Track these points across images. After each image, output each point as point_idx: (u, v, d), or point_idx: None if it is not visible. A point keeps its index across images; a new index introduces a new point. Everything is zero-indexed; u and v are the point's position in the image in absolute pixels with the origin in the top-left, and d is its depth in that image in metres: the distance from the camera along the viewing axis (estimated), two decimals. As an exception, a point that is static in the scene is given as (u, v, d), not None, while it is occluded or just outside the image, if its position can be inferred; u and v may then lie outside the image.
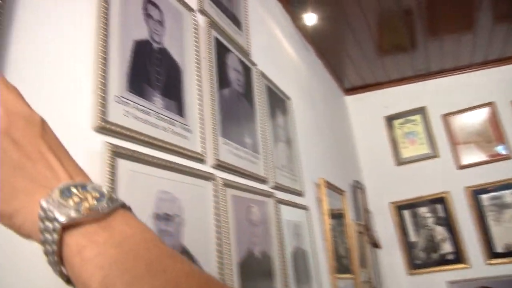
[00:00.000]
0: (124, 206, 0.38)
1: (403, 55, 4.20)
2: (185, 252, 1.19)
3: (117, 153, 1.00)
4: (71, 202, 0.34)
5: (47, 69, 0.94)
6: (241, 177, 1.67)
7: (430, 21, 3.65)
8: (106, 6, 1.13)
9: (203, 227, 1.31)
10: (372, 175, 4.46)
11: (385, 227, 4.34)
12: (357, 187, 3.86)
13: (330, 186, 2.89)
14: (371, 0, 3.29)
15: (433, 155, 4.40)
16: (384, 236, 4.27)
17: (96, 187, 0.37)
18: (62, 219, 0.33)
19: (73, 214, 0.33)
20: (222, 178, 1.47)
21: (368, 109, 4.70)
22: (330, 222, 2.66)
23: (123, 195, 1.00)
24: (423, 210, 4.36)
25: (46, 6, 0.98)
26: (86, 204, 0.34)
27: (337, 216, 2.97)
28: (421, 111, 4.54)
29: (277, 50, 2.75)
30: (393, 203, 4.39)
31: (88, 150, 0.97)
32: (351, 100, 4.79)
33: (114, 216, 0.36)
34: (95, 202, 0.35)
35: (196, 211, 1.29)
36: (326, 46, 3.84)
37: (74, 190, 0.35)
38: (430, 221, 4.36)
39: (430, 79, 4.58)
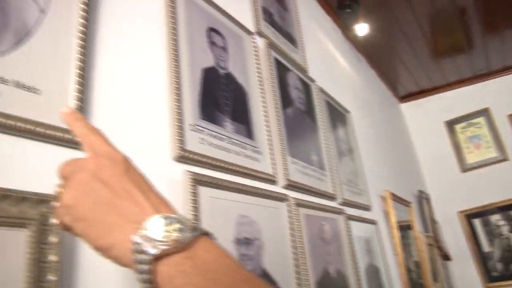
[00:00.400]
0: (205, 233, 0.40)
1: (460, 56, 3.99)
2: (265, 275, 1.17)
3: (197, 180, 1.01)
4: (158, 235, 0.37)
5: (127, 104, 0.97)
6: (311, 195, 1.63)
7: (487, 16, 3.45)
8: (175, 38, 1.16)
9: (281, 249, 1.29)
10: (436, 183, 4.23)
11: (454, 237, 4.08)
12: (422, 197, 3.67)
13: (396, 198, 2.76)
14: (423, 2, 3.17)
15: (502, 158, 4.11)
16: (454, 248, 4.00)
17: (179, 218, 0.39)
18: (153, 251, 0.36)
19: (161, 246, 0.36)
20: (294, 198, 1.45)
21: (426, 115, 4.49)
22: (399, 236, 2.54)
23: (205, 222, 1.00)
24: (495, 218, 4.05)
25: (124, 46, 1.02)
26: (172, 236, 0.37)
27: (404, 228, 2.83)
28: (484, 113, 4.27)
29: (331, 63, 2.72)
30: (461, 212, 4.12)
31: (170, 179, 0.99)
32: (407, 108, 4.61)
33: (196, 245, 0.38)
34: (179, 233, 0.37)
35: (273, 233, 1.27)
36: (378, 55, 3.74)
37: (160, 222, 0.38)
38: (505, 229, 4.05)
39: (492, 78, 4.31)
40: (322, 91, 2.13)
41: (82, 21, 0.89)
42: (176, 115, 1.05)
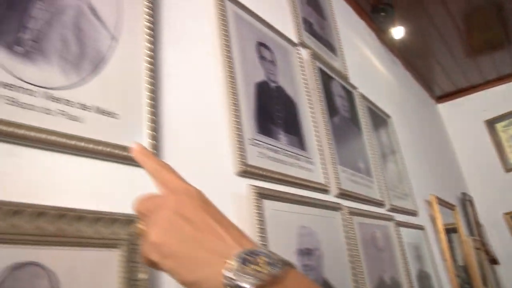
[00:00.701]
0: (290, 265, 0.40)
1: (498, 52, 3.86)
2: (326, 284, 1.17)
3: (260, 194, 1.03)
4: (249, 270, 0.37)
5: (190, 122, 1.00)
6: (361, 203, 1.62)
7: (526, 12, 3.33)
8: (230, 55, 1.19)
9: (339, 258, 1.28)
10: (479, 185, 4.08)
11: (500, 240, 3.92)
12: (466, 200, 3.55)
13: (441, 202, 2.69)
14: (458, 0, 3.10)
15: (548, 156, 3.93)
16: (501, 251, 3.84)
17: (264, 251, 0.39)
18: (247, 286, 0.36)
19: (254, 281, 0.36)
20: (347, 206, 1.44)
21: (464, 115, 4.36)
22: (447, 240, 2.47)
23: (270, 234, 1.01)
24: (544, 219, 3.87)
25: (185, 66, 1.05)
26: (263, 270, 0.37)
27: (449, 232, 2.74)
28: (526, 110, 4.11)
29: (369, 68, 2.69)
30: (507, 213, 3.96)
31: (235, 194, 1.01)
32: (444, 108, 4.49)
33: (286, 278, 0.38)
34: (269, 267, 0.37)
35: (331, 243, 1.26)
36: (412, 56, 3.67)
37: (247, 257, 0.38)
38: (554, 229, 3.86)
39: (533, 74, 4.14)
40: (363, 97, 2.12)
41: (149, 45, 0.93)
42: (236, 131, 1.07)
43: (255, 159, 1.10)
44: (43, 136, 0.66)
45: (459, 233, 2.88)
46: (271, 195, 1.06)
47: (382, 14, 3.02)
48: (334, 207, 1.36)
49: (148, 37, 0.94)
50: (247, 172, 1.05)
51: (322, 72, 1.74)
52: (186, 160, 0.93)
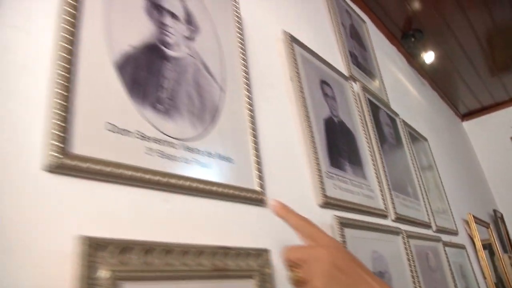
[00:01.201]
0: None
1: (523, 70, 3.91)
2: (395, 307, 1.25)
3: (343, 223, 1.12)
4: None
5: (280, 160, 1.10)
6: (413, 226, 1.70)
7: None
8: (303, 96, 1.30)
9: (403, 280, 1.36)
10: (508, 202, 4.09)
11: (531, 256, 3.89)
12: (497, 217, 3.57)
13: (476, 220, 2.73)
14: (483, 19, 3.17)
15: None
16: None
17: None
18: None
19: None
20: (405, 230, 1.52)
21: (490, 132, 4.39)
22: (486, 259, 2.50)
23: (351, 260, 1.10)
24: None
25: (270, 109, 1.17)
26: None
27: (485, 249, 2.77)
28: (553, 126, 4.13)
29: (404, 93, 2.78)
30: (537, 229, 3.95)
31: (320, 223, 1.10)
32: (470, 125, 4.53)
33: None
34: None
35: (395, 266, 1.34)
36: (439, 76, 3.75)
37: None
38: None
39: (557, 90, 4.17)
40: (404, 123, 2.21)
41: (247, 93, 1.05)
42: (316, 166, 1.17)
43: (332, 191, 1.20)
44: (187, 183, 0.77)
45: (494, 250, 2.91)
46: (350, 224, 1.16)
47: (412, 39, 3.13)
48: (395, 231, 1.44)
49: (245, 86, 1.05)
50: (327, 203, 1.14)
51: (371, 103, 1.84)
52: (279, 195, 1.03)
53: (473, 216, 2.64)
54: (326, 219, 1.12)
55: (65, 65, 0.66)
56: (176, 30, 0.93)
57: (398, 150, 1.93)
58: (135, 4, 0.86)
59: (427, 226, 1.85)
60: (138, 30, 0.83)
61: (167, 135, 0.79)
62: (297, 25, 1.60)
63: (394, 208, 1.54)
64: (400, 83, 2.80)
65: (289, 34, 1.40)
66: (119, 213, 0.65)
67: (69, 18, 0.69)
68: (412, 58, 3.31)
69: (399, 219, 1.55)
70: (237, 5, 1.19)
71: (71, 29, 0.69)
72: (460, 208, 2.65)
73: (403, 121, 2.20)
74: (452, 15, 3.07)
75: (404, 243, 1.46)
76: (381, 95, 2.11)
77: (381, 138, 1.77)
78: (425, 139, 2.52)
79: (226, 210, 0.85)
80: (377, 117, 1.85)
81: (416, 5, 3.03)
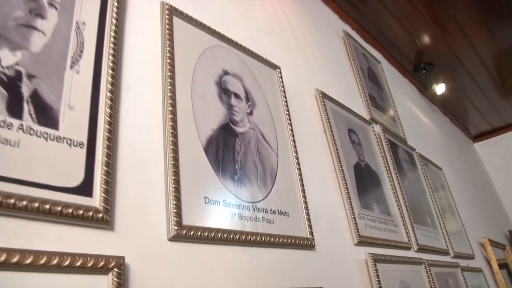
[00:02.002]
0: None
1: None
2: (422, 330, 1.43)
3: (375, 259, 1.32)
4: None
5: (321, 210, 1.31)
6: (433, 254, 1.88)
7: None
8: (335, 145, 1.52)
9: (428, 307, 1.55)
10: (523, 221, 4.22)
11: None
12: (512, 237, 3.71)
13: (492, 243, 2.89)
14: (489, 45, 3.36)
15: None
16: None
17: None
18: None
19: None
20: (426, 259, 1.71)
21: (502, 152, 4.55)
22: (504, 279, 2.66)
23: (384, 292, 1.30)
24: None
25: (309, 159, 1.39)
26: None
27: (502, 269, 2.92)
28: None
29: (417, 124, 2.99)
30: (552, 247, 4.06)
31: (356, 260, 1.31)
32: (481, 147, 4.69)
33: None
34: None
35: (421, 294, 1.54)
36: (450, 102, 3.95)
37: None
38: None
39: None
40: (421, 156, 2.41)
41: (295, 154, 1.27)
42: (350, 209, 1.38)
43: (364, 230, 1.41)
44: (258, 238, 0.99)
45: (511, 271, 3.05)
46: (381, 259, 1.36)
47: (424, 72, 3.34)
48: (418, 262, 1.64)
49: (292, 145, 1.28)
50: (361, 241, 1.35)
51: (391, 143, 2.05)
52: (323, 238, 1.24)
53: (489, 240, 2.80)
54: (361, 256, 1.32)
55: (174, 155, 0.89)
56: (240, 109, 1.16)
57: (416, 183, 2.13)
58: (212, 93, 1.09)
59: (445, 253, 2.03)
60: (215, 115, 1.06)
61: (243, 200, 1.01)
62: (326, 80, 1.83)
63: (416, 239, 1.73)
64: (413, 114, 3.01)
65: (321, 91, 1.63)
66: (216, 265, 0.87)
67: (172, 123, 0.93)
68: (424, 88, 3.52)
69: (421, 249, 1.74)
70: (280, 73, 1.42)
71: (173, 131, 0.92)
72: (476, 231, 2.82)
73: (419, 154, 2.40)
74: (460, 47, 3.28)
75: (427, 272, 1.65)
76: (398, 131, 2.32)
77: (401, 174, 1.97)
78: (439, 168, 2.71)
79: (287, 256, 1.06)
80: (397, 155, 2.06)
81: (426, 40, 3.25)
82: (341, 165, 1.47)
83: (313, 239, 1.15)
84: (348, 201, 1.40)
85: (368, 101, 2.12)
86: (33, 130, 0.69)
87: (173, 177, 0.86)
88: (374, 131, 1.94)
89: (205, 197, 0.91)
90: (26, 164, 0.65)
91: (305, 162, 1.35)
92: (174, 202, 0.84)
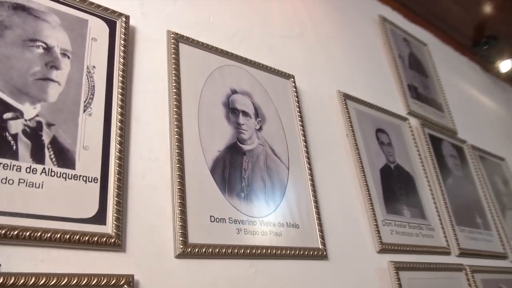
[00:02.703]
0: None
1: None
2: None
3: (398, 267, 1.45)
4: None
5: (339, 218, 1.46)
6: (482, 258, 1.94)
7: None
8: (358, 149, 1.64)
9: (466, 315, 1.64)
10: None
11: None
12: None
13: None
14: None
15: None
16: None
17: None
18: None
19: None
20: (469, 265, 1.78)
21: None
22: None
23: (408, 300, 1.42)
24: None
25: (327, 172, 1.53)
26: None
27: None
28: None
29: (476, 109, 2.96)
30: None
31: (378, 269, 1.44)
32: None
33: None
34: None
35: (458, 302, 1.63)
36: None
37: None
38: None
39: None
40: (474, 148, 2.42)
41: (308, 165, 1.43)
42: (372, 217, 1.51)
43: (388, 237, 1.53)
44: (264, 251, 1.17)
45: None
46: (405, 267, 1.48)
47: (485, 47, 3.27)
48: (457, 268, 1.72)
49: (307, 159, 1.43)
50: (384, 249, 1.48)
51: (432, 138, 2.11)
52: (339, 247, 1.39)
53: None
54: (383, 264, 1.45)
55: (180, 180, 1.09)
56: (248, 126, 1.34)
57: (465, 181, 2.17)
58: (219, 114, 1.28)
59: (501, 257, 2.07)
60: (221, 136, 1.25)
61: (249, 216, 1.20)
62: (352, 78, 1.94)
63: (457, 243, 1.81)
64: (471, 98, 2.98)
65: (343, 93, 1.76)
66: (220, 279, 1.07)
67: (178, 151, 1.13)
68: (489, 65, 3.44)
69: (464, 254, 1.82)
70: (294, 83, 1.57)
71: (180, 158, 1.12)
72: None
73: (472, 146, 2.42)
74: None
75: (468, 279, 1.73)
76: (446, 123, 2.36)
77: (444, 172, 2.04)
78: (501, 159, 2.69)
79: (296, 267, 1.23)
80: (440, 151, 2.12)
81: (487, 10, 3.18)
82: (363, 170, 1.60)
83: (325, 249, 1.31)
84: (370, 207, 1.53)
85: (406, 93, 2.19)
86: (54, 172, 0.92)
87: (179, 201, 1.07)
88: (410, 127, 2.02)
89: (210, 216, 1.11)
90: (49, 202, 0.89)
91: (322, 170, 1.50)
92: (180, 223, 1.04)
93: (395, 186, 1.72)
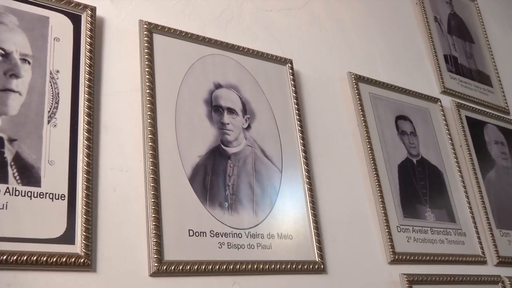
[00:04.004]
0: None
1: None
2: None
3: (411, 281, 1.64)
4: None
5: (344, 224, 1.65)
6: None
7: None
8: (370, 143, 1.82)
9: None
10: None
11: None
12: None
13: None
14: None
15: None
16: None
17: None
18: None
19: None
20: (509, 277, 1.95)
21: None
22: None
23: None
24: None
25: (333, 175, 1.72)
26: None
27: None
28: None
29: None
30: None
31: (389, 282, 1.64)
32: None
33: None
34: None
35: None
36: None
37: None
38: None
39: None
40: (530, 130, 2.55)
41: (305, 166, 1.62)
42: (384, 222, 1.70)
43: (404, 245, 1.72)
44: (249, 266, 1.38)
45: None
46: (421, 280, 1.67)
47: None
48: (492, 281, 1.90)
49: (304, 160, 1.63)
50: (397, 259, 1.67)
51: (470, 121, 2.26)
52: (341, 258, 1.59)
53: None
54: (394, 277, 1.65)
55: (154, 192, 1.31)
56: (234, 126, 1.53)
57: (513, 172, 2.32)
58: (199, 114, 1.48)
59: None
60: (203, 139, 1.46)
61: (233, 228, 1.41)
62: (369, 55, 2.10)
63: (496, 250, 1.98)
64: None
65: (354, 74, 1.92)
66: (202, 298, 1.29)
67: (152, 159, 1.34)
68: None
69: (504, 262, 1.99)
70: (291, 68, 1.75)
71: (154, 168, 1.33)
72: None
73: (528, 129, 2.55)
74: None
75: (504, 293, 1.91)
76: (495, 100, 2.49)
77: (485, 163, 2.19)
78: None
79: (288, 283, 1.44)
80: (481, 137, 2.27)
81: None
82: (375, 168, 1.78)
83: (323, 262, 1.51)
84: (382, 211, 1.71)
85: (441, 66, 2.33)
86: (18, 191, 1.14)
87: (153, 215, 1.28)
88: (442, 110, 2.17)
89: (189, 230, 1.33)
90: (14, 222, 1.11)
91: (323, 171, 1.69)
92: (155, 239, 1.26)
93: (417, 184, 1.90)
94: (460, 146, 2.16)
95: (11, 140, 1.18)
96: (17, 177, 1.15)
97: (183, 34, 1.56)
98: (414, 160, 1.95)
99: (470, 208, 2.01)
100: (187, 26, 1.60)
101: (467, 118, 2.26)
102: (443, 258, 1.80)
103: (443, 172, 2.02)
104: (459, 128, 2.19)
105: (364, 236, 1.69)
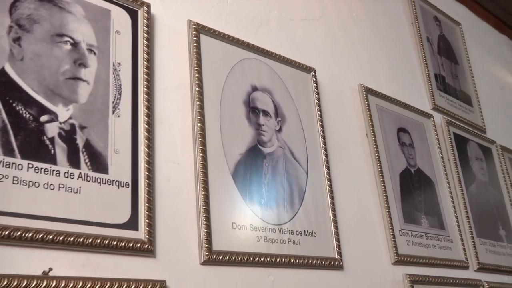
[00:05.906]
0: None
1: None
2: None
3: (413, 280, 1.81)
4: None
5: (355, 227, 1.80)
6: (501, 274, 2.33)
7: None
8: (377, 152, 1.97)
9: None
10: None
11: None
12: None
13: None
14: None
15: None
16: None
17: None
18: None
19: None
20: (487, 281, 2.16)
21: None
22: None
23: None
24: None
25: (347, 183, 1.86)
26: None
27: None
28: None
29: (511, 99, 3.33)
30: None
31: (393, 281, 1.79)
32: None
33: None
34: None
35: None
36: None
37: None
38: None
39: None
40: (503, 149, 2.80)
41: (327, 170, 1.75)
42: (389, 226, 1.86)
43: (405, 248, 1.88)
44: (283, 259, 1.49)
45: None
46: (421, 280, 1.84)
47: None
48: (474, 284, 2.10)
49: (326, 163, 1.75)
50: (400, 261, 1.83)
51: (457, 137, 2.46)
52: (354, 257, 1.73)
53: None
54: (398, 276, 1.81)
55: (204, 186, 1.40)
56: (268, 127, 1.64)
57: (490, 187, 2.55)
58: (239, 114, 1.58)
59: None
60: (243, 138, 1.56)
61: (268, 223, 1.52)
62: (376, 68, 2.25)
63: (476, 257, 2.19)
64: (507, 90, 3.34)
65: (365, 86, 2.07)
66: (241, 287, 1.40)
67: (202, 154, 1.43)
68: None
69: (483, 268, 2.20)
70: (315, 77, 1.87)
71: (203, 162, 1.42)
72: None
73: (502, 147, 2.79)
74: None
75: (483, 296, 2.11)
76: (474, 119, 2.71)
77: (468, 177, 2.40)
78: (534, 162, 3.08)
79: (312, 277, 1.57)
80: (464, 152, 2.47)
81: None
82: (381, 175, 1.93)
83: (341, 259, 1.65)
84: (388, 216, 1.87)
85: (432, 84, 2.52)
86: (89, 177, 1.21)
87: (204, 207, 1.37)
88: (434, 125, 2.36)
89: (232, 223, 1.43)
90: (87, 207, 1.17)
91: (339, 174, 1.82)
92: (205, 230, 1.35)
93: (415, 193, 2.07)
94: (448, 160, 2.34)
95: (82, 128, 1.24)
96: (88, 164, 1.22)
97: (226, 36, 1.65)
98: (412, 170, 2.12)
99: (456, 217, 2.21)
100: (224, 28, 1.69)
101: (455, 134, 2.46)
102: (435, 262, 1.99)
103: (435, 182, 2.20)
104: (448, 143, 2.38)
105: (372, 238, 1.84)
